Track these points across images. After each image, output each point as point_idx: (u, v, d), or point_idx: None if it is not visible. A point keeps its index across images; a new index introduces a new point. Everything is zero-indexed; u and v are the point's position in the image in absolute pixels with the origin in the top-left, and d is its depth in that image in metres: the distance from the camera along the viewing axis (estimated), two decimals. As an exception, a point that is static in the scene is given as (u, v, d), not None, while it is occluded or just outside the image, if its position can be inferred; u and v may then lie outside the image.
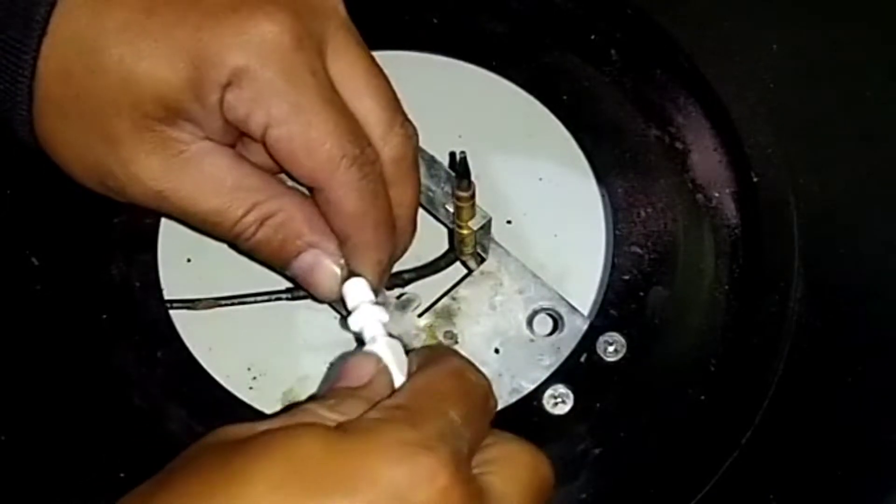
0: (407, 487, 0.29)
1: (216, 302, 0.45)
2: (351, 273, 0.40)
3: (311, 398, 0.35)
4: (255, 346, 0.45)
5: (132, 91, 0.37)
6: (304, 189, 0.40)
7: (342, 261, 0.40)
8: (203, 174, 0.38)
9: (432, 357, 0.35)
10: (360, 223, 0.39)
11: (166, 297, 0.44)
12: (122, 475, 0.41)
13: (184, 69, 0.36)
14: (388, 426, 0.30)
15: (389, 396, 0.33)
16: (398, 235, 0.41)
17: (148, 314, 0.44)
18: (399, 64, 0.40)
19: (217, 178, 0.38)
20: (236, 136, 0.39)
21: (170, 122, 0.37)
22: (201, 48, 0.36)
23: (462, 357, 0.36)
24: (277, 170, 0.40)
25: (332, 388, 0.34)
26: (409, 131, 0.40)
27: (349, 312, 0.39)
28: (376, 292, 0.40)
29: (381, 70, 0.40)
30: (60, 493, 0.41)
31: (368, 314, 0.38)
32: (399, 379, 0.35)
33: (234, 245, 0.41)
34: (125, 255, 0.45)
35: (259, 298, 0.45)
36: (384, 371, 0.35)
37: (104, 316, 0.44)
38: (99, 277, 0.45)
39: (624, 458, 0.41)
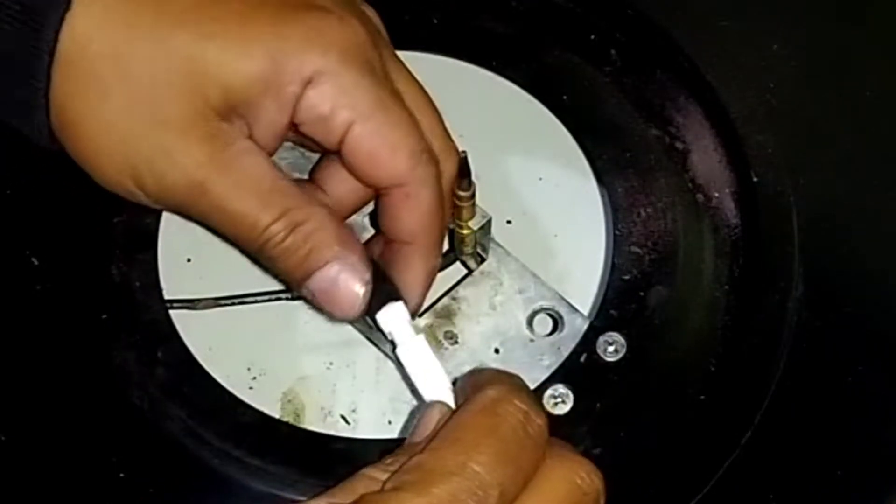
0: None
1: (216, 302, 0.45)
2: (386, 295, 0.39)
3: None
4: (255, 346, 0.45)
5: (197, 76, 0.35)
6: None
7: (366, 276, 0.38)
8: (244, 172, 0.37)
9: (472, 386, 0.33)
10: (432, 221, 0.39)
11: (166, 296, 0.44)
12: (121, 475, 0.41)
13: (259, 61, 0.35)
14: (396, 498, 0.29)
15: (421, 452, 0.31)
16: None
17: (148, 314, 0.44)
18: (399, 64, 0.40)
19: (256, 177, 0.37)
20: (277, 146, 0.39)
21: (225, 115, 0.36)
22: (280, 42, 0.35)
23: (502, 379, 0.33)
24: None
25: (406, 443, 0.34)
26: (459, 153, 0.40)
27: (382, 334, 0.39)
28: (413, 315, 0.40)
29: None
30: (60, 493, 0.41)
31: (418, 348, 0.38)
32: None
33: (255, 256, 0.39)
34: (125, 255, 0.45)
35: (259, 298, 0.45)
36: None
37: (104, 316, 0.44)
38: (99, 277, 0.44)
39: (624, 458, 0.41)
